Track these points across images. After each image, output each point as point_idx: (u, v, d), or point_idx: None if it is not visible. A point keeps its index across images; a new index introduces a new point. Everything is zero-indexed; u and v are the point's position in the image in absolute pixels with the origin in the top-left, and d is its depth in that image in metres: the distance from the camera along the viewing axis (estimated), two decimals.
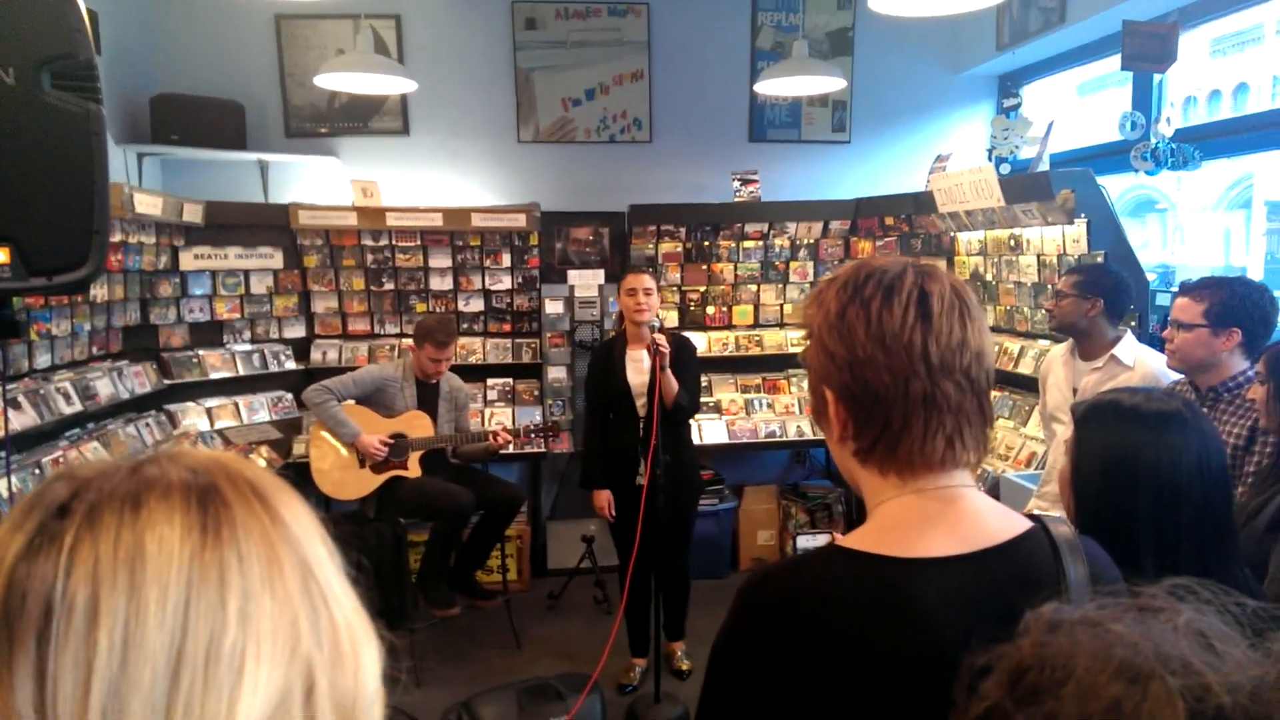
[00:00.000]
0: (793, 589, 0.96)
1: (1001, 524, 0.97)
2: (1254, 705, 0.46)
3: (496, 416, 4.88)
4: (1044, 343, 4.11)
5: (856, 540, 0.97)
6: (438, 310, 4.94)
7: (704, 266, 5.19)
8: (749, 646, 0.94)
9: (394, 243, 4.87)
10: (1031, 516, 1.01)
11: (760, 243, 5.17)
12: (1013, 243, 4.24)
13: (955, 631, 0.89)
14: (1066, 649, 0.52)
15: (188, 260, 4.48)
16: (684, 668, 3.96)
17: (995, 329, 4.54)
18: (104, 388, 3.74)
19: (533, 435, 4.21)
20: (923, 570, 0.92)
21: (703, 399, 4.43)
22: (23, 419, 3.17)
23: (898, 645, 0.89)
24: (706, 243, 5.15)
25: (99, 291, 3.78)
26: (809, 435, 4.99)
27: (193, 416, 4.35)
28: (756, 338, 5.26)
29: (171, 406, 4.30)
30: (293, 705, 0.53)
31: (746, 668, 0.94)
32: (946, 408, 0.94)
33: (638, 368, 3.64)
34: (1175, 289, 3.60)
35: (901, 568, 0.92)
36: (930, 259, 4.96)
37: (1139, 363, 2.86)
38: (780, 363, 5.28)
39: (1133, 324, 3.35)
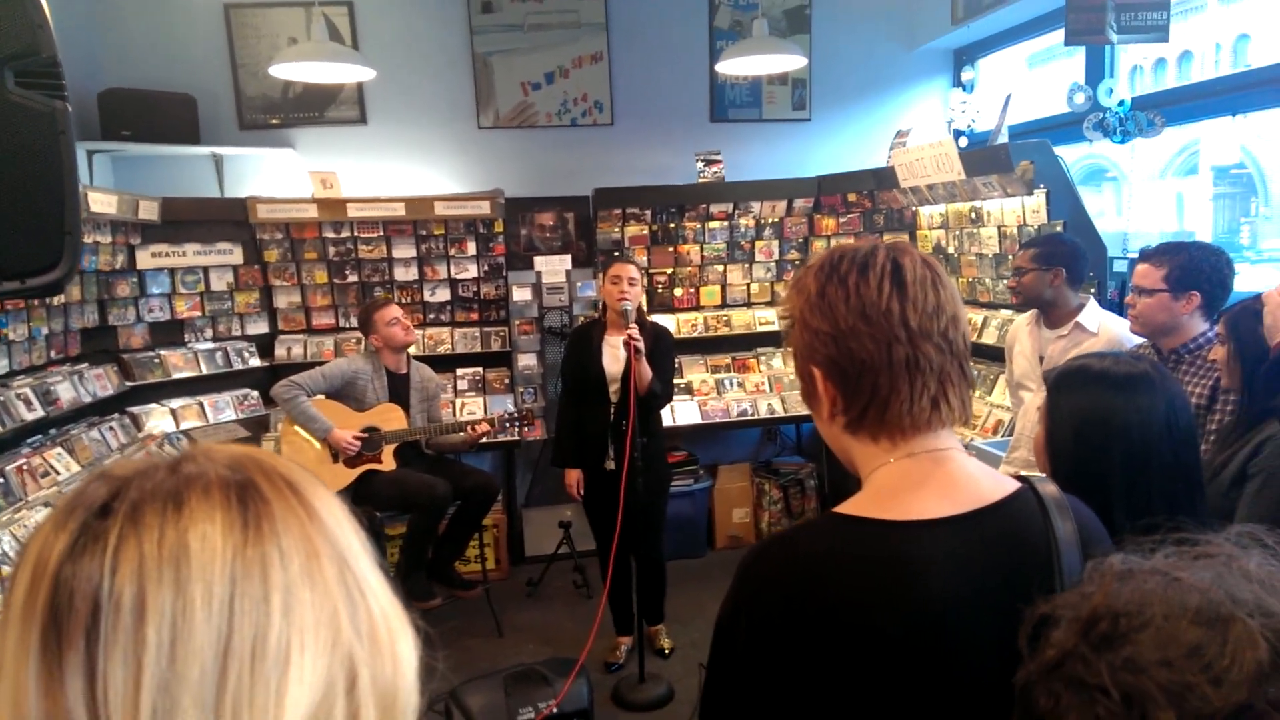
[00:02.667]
0: (792, 557, 0.98)
1: (991, 485, 1.01)
2: None
3: (468, 406, 4.85)
4: (1007, 313, 4.19)
5: (853, 506, 1.00)
6: (403, 302, 4.87)
7: (670, 248, 5.20)
8: (752, 617, 0.96)
9: (356, 234, 4.81)
10: (1019, 477, 1.05)
11: (725, 223, 5.19)
12: (974, 215, 4.31)
13: (952, 589, 0.93)
14: (1139, 597, 0.53)
15: (145, 259, 4.38)
16: (666, 647, 3.99)
17: None
18: (65, 392, 3.66)
19: (508, 424, 4.20)
20: (918, 531, 0.95)
21: (674, 380, 4.46)
22: None
23: (897, 605, 0.93)
24: (672, 224, 5.15)
25: None
26: (780, 413, 5.04)
27: (157, 418, 4.27)
28: (725, 318, 5.28)
29: (135, 409, 4.22)
30: (337, 696, 0.53)
31: (751, 639, 0.96)
32: (930, 369, 0.99)
33: (614, 355, 3.65)
34: (1132, 255, 3.69)
35: (898, 530, 0.96)
36: (893, 234, 5.03)
37: (1103, 328, 2.93)
38: (749, 342, 5.32)
39: (1092, 290, 3.42)
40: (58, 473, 3.41)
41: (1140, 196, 4.30)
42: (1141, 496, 1.39)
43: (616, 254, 4.84)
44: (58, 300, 3.73)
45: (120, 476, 0.55)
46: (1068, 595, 0.57)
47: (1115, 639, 0.52)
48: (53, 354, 3.79)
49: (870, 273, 0.99)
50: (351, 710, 0.54)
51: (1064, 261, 2.98)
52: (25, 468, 3.26)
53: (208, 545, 0.51)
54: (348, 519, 0.59)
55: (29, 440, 3.46)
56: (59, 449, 3.51)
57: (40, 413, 3.45)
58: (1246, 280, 3.98)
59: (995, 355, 4.07)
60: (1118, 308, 3.44)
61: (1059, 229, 3.63)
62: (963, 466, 1.01)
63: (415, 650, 0.59)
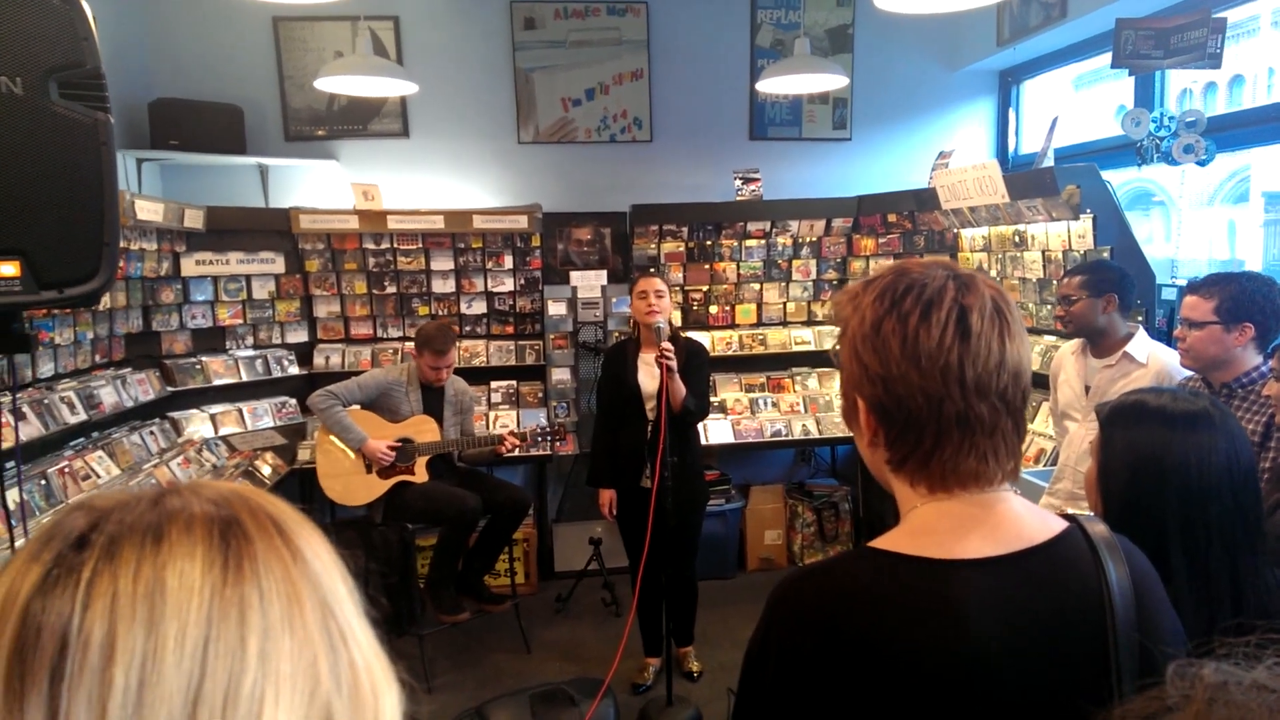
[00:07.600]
0: (826, 592, 0.94)
1: (1038, 525, 0.96)
2: None
3: (501, 419, 4.86)
4: (1050, 339, 4.10)
5: (890, 542, 0.96)
6: (440, 314, 4.93)
7: (707, 266, 5.18)
8: (783, 650, 0.93)
9: (395, 245, 4.86)
10: (1067, 516, 1.00)
11: (763, 241, 5.16)
12: (1017, 239, 4.23)
13: (995, 633, 0.89)
14: None
15: (189, 266, 4.46)
16: (694, 670, 3.94)
17: None
18: (108, 396, 3.72)
19: (540, 438, 4.20)
20: (960, 572, 0.91)
21: (709, 396, 4.42)
22: (27, 429, 3.14)
23: (936, 647, 0.88)
24: (709, 242, 5.13)
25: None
26: (814, 434, 4.98)
27: (196, 423, 4.33)
28: (760, 336, 5.24)
29: (175, 414, 4.28)
30: None
31: (780, 672, 0.92)
32: (980, 430, 0.93)
33: (650, 371, 3.62)
34: (1180, 282, 3.58)
35: (938, 569, 0.91)
36: (933, 255, 4.95)
37: (1152, 359, 2.84)
38: (784, 361, 5.26)
39: (1140, 319, 3.33)
40: (98, 475, 3.46)
41: (1189, 223, 4.20)
42: (1199, 538, 1.34)
43: (651, 270, 4.83)
44: (104, 305, 3.80)
45: (100, 508, 0.53)
46: (1138, 703, 0.49)
47: None
48: (97, 358, 3.86)
49: (934, 315, 0.92)
50: None
51: (1115, 288, 2.89)
52: (66, 470, 3.32)
53: (185, 583, 0.49)
54: (335, 564, 0.57)
55: (71, 443, 3.53)
56: (100, 452, 3.56)
57: (83, 416, 3.51)
58: None
59: (1039, 382, 3.97)
60: (1165, 336, 3.34)
61: (1105, 254, 3.55)
62: (1009, 505, 0.97)
63: (399, 706, 0.56)
